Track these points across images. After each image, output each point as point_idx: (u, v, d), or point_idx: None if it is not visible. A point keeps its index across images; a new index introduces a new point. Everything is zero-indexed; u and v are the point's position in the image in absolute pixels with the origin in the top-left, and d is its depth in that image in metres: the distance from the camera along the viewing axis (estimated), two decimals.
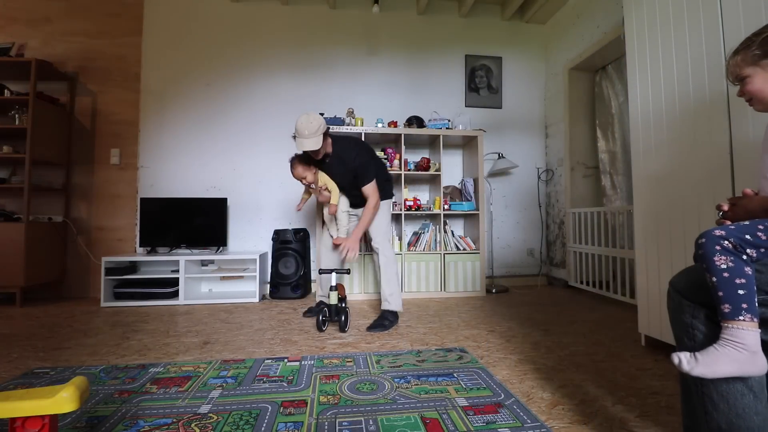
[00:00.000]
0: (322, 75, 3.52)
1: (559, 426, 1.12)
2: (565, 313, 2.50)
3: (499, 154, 3.56)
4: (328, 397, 1.29)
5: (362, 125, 3.21)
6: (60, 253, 3.13)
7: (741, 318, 0.72)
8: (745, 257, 0.74)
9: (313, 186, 2.27)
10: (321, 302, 2.43)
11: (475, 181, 3.26)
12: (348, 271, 2.33)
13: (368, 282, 3.04)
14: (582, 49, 3.25)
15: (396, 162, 3.19)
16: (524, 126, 3.80)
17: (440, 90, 3.68)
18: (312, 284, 3.29)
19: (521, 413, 1.17)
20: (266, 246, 3.36)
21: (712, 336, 0.77)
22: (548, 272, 3.73)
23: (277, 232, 3.17)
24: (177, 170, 3.33)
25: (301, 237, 3.17)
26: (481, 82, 3.74)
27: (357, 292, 3.03)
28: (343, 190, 2.32)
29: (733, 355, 0.72)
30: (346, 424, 1.12)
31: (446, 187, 3.40)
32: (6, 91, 2.93)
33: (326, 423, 1.12)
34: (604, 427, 1.11)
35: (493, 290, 3.27)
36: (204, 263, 3.22)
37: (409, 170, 3.21)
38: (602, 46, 2.98)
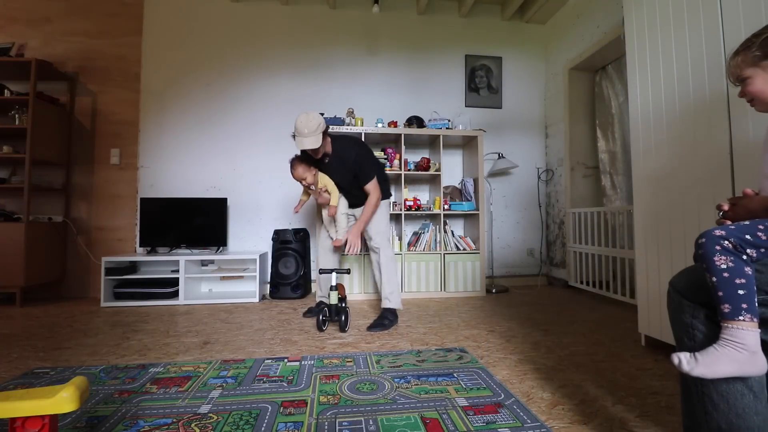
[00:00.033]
0: (322, 75, 3.52)
1: (559, 426, 1.12)
2: (565, 313, 2.50)
3: (499, 154, 3.56)
4: (328, 397, 1.29)
5: (362, 125, 3.21)
6: (60, 253, 3.14)
7: (741, 318, 0.72)
8: (745, 257, 0.74)
9: (312, 187, 2.27)
10: (321, 302, 2.43)
11: (475, 181, 3.26)
12: (348, 271, 2.33)
13: (368, 282, 3.04)
14: (582, 49, 3.25)
15: (396, 162, 3.19)
16: (524, 126, 3.80)
17: (440, 90, 3.68)
18: (312, 284, 3.29)
19: (521, 413, 1.17)
20: (266, 246, 3.36)
21: (712, 336, 0.77)
22: (548, 272, 3.73)
23: (277, 232, 3.17)
24: (177, 170, 3.33)
25: (301, 237, 3.17)
26: (481, 82, 3.74)
27: (357, 292, 3.03)
28: (342, 190, 2.33)
29: (733, 355, 0.72)
30: (346, 424, 1.12)
31: (446, 187, 3.40)
32: (6, 91, 2.93)
33: (326, 423, 1.12)
34: (604, 427, 1.11)
35: (493, 290, 3.27)
36: (204, 263, 3.22)
37: (409, 170, 3.21)
38: (602, 46, 2.98)
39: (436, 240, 3.18)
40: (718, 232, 0.75)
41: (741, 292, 0.72)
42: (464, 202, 3.24)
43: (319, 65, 3.52)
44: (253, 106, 3.43)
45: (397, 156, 3.21)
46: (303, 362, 1.62)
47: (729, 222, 0.82)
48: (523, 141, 3.79)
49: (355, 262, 3.02)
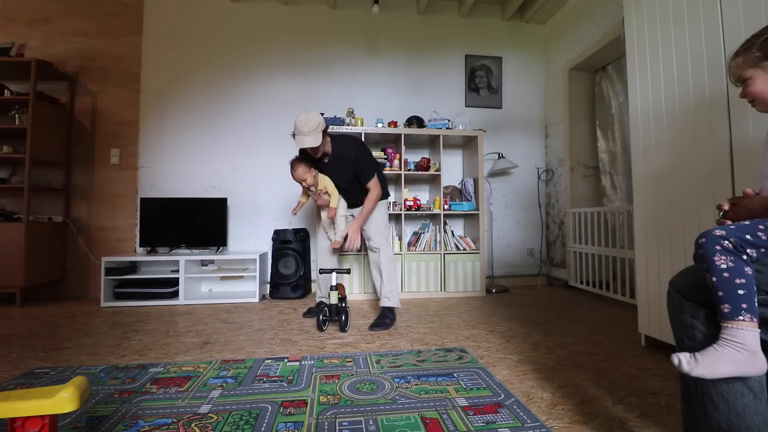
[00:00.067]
0: (322, 75, 3.52)
1: (559, 426, 1.12)
2: (565, 313, 2.50)
3: (499, 154, 3.56)
4: (328, 397, 1.29)
5: (362, 125, 3.21)
6: (60, 253, 3.14)
7: (741, 318, 0.72)
8: (745, 257, 0.74)
9: (312, 189, 2.27)
10: (321, 302, 2.43)
11: (475, 181, 3.26)
12: (348, 271, 2.33)
13: (368, 282, 3.04)
14: (582, 49, 3.25)
15: (396, 162, 3.19)
16: (524, 126, 3.80)
17: (440, 90, 3.68)
18: (312, 284, 3.29)
19: (521, 413, 1.17)
20: (266, 246, 3.36)
21: (712, 336, 0.77)
22: (548, 272, 3.73)
23: (277, 232, 3.17)
24: (177, 170, 3.33)
25: (301, 237, 3.17)
26: (481, 82, 3.74)
27: (357, 292, 3.03)
28: (341, 191, 2.33)
29: (732, 355, 0.72)
30: (346, 424, 1.12)
31: (446, 187, 3.40)
32: (6, 91, 2.93)
33: (326, 423, 1.12)
34: (604, 427, 1.11)
35: (493, 290, 3.27)
36: (204, 263, 3.22)
37: (409, 170, 3.21)
38: (602, 46, 2.98)
39: (436, 240, 3.18)
40: (718, 232, 0.75)
41: (741, 292, 0.72)
42: (464, 202, 3.24)
43: (319, 65, 3.52)
44: (253, 106, 3.43)
45: (397, 156, 3.21)
46: (303, 362, 1.62)
47: (729, 222, 0.82)
48: (523, 141, 3.79)
49: (355, 261, 3.02)
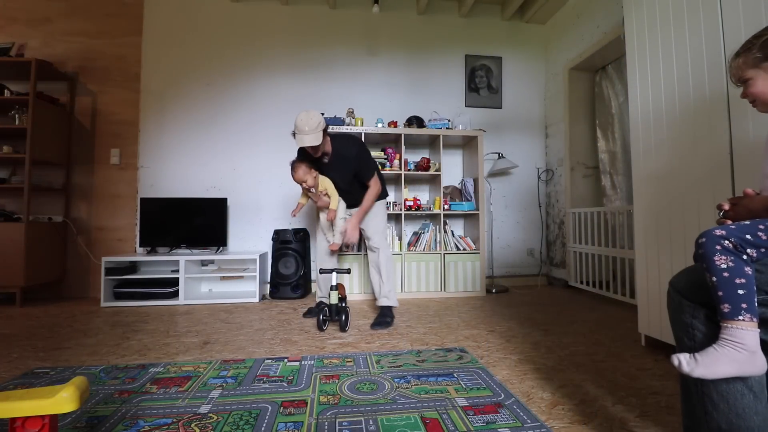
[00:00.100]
0: (322, 75, 3.52)
1: (559, 426, 1.12)
2: (565, 313, 2.50)
3: (499, 154, 3.56)
4: (328, 397, 1.29)
5: (362, 125, 3.21)
6: (60, 253, 3.13)
7: (740, 318, 0.72)
8: (745, 257, 0.74)
9: (313, 190, 2.27)
10: (321, 302, 2.43)
11: (475, 181, 3.26)
12: (348, 271, 2.33)
13: (368, 282, 3.03)
14: (582, 49, 3.25)
15: (396, 162, 3.19)
16: (524, 126, 3.80)
17: (440, 90, 3.68)
18: (312, 284, 3.29)
19: (521, 413, 1.17)
20: (266, 246, 3.36)
21: (712, 336, 0.77)
22: (548, 272, 3.73)
23: (277, 232, 3.17)
24: (177, 170, 3.33)
25: (301, 237, 3.17)
26: (481, 82, 3.74)
27: (357, 292, 3.03)
28: (340, 191, 2.33)
29: (732, 356, 0.72)
30: (346, 424, 1.12)
31: (446, 187, 3.40)
32: (6, 91, 2.93)
33: (326, 423, 1.12)
34: (604, 427, 1.11)
35: (493, 290, 3.27)
36: (204, 263, 3.22)
37: (409, 170, 3.21)
38: (602, 46, 2.98)
39: (436, 240, 3.18)
40: (718, 232, 0.76)
41: (741, 291, 0.72)
42: (464, 202, 3.24)
43: (319, 65, 3.52)
44: (253, 106, 3.43)
45: (397, 156, 3.21)
46: (303, 362, 1.62)
47: (730, 222, 0.82)
48: (523, 141, 3.79)
49: (355, 261, 3.02)
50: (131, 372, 1.52)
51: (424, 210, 3.20)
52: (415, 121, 3.27)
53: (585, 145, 3.44)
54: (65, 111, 3.20)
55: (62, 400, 0.85)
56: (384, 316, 2.27)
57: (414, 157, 3.47)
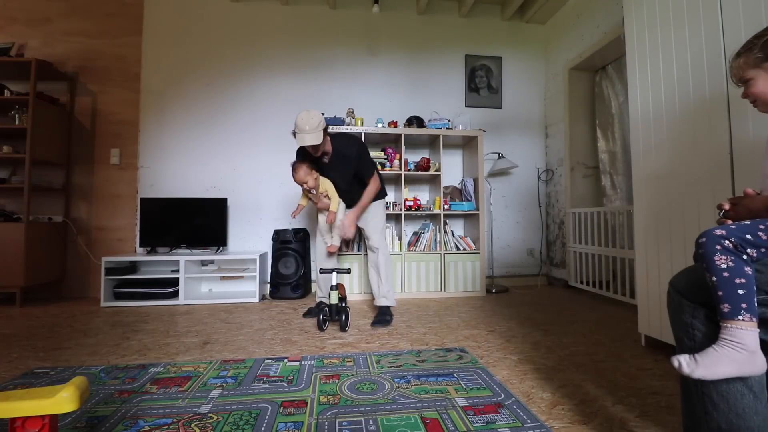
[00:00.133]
0: (322, 75, 3.52)
1: (559, 426, 1.12)
2: (565, 313, 2.50)
3: (499, 154, 3.56)
4: (328, 397, 1.29)
5: (362, 125, 3.21)
6: (60, 253, 3.13)
7: (740, 318, 0.72)
8: (745, 257, 0.74)
9: (313, 191, 2.27)
10: (321, 303, 2.44)
11: (475, 181, 3.26)
12: (349, 271, 2.33)
13: (368, 282, 3.03)
14: (582, 49, 3.25)
15: (396, 162, 3.19)
16: (524, 126, 3.80)
17: (440, 90, 3.68)
18: (312, 284, 3.29)
19: (521, 413, 1.17)
20: (266, 246, 3.36)
21: (712, 336, 0.77)
22: (548, 272, 3.73)
23: (277, 232, 3.17)
24: (177, 170, 3.33)
25: (301, 237, 3.17)
26: (481, 82, 3.74)
27: (357, 292, 3.03)
28: (340, 191, 2.33)
29: (732, 356, 0.72)
30: (346, 424, 1.12)
31: (446, 187, 3.40)
32: (6, 91, 2.93)
33: (326, 423, 1.12)
34: (604, 427, 1.11)
35: (493, 290, 3.27)
36: (204, 263, 3.22)
37: (409, 170, 3.21)
38: (602, 46, 2.98)
39: (436, 240, 3.18)
40: (718, 232, 0.75)
41: (740, 291, 0.72)
42: (464, 202, 3.24)
43: (319, 65, 3.52)
44: (253, 106, 3.43)
45: (397, 156, 3.21)
46: (303, 362, 1.62)
47: (730, 221, 0.82)
48: (523, 141, 3.79)
49: (355, 262, 3.02)
50: (131, 372, 1.52)
51: (424, 210, 3.20)
52: (415, 121, 3.27)
53: (585, 145, 3.44)
54: (65, 111, 3.20)
55: (62, 400, 0.85)
56: (383, 315, 2.29)
57: (414, 157, 3.47)
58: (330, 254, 2.46)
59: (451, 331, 2.12)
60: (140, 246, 3.14)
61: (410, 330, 2.15)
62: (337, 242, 2.39)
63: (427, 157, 3.37)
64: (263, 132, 3.42)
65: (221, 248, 3.21)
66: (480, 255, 3.16)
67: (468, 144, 3.46)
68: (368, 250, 2.46)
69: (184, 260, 2.91)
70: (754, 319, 0.72)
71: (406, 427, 1.09)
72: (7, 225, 2.78)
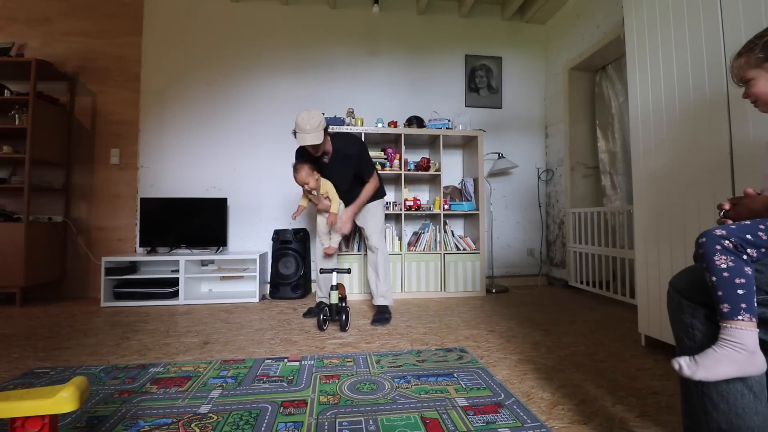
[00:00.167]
0: (322, 75, 3.52)
1: (559, 426, 1.12)
2: (565, 313, 2.50)
3: (499, 154, 3.56)
4: (328, 397, 1.29)
5: (362, 125, 3.21)
6: (60, 253, 3.13)
7: (740, 318, 0.71)
8: (745, 257, 0.74)
9: (314, 192, 2.26)
10: (321, 303, 2.44)
11: (475, 181, 3.26)
12: (349, 271, 2.33)
13: (368, 282, 3.03)
14: (582, 49, 3.25)
15: (396, 162, 3.19)
16: (524, 126, 3.80)
17: (440, 90, 3.68)
18: (312, 284, 3.29)
19: (521, 413, 1.17)
20: (266, 246, 3.36)
21: (712, 336, 0.77)
22: (548, 272, 3.73)
23: (277, 232, 3.17)
24: (177, 170, 3.33)
25: (301, 237, 3.17)
26: (481, 82, 3.74)
27: (357, 292, 3.03)
28: (340, 192, 2.33)
29: (732, 356, 0.72)
30: (346, 424, 1.12)
31: (446, 187, 3.40)
32: (6, 91, 2.93)
33: (326, 423, 1.12)
34: (604, 427, 1.11)
35: (493, 290, 3.27)
36: (204, 263, 3.22)
37: (409, 170, 3.21)
38: (602, 46, 2.98)
39: (436, 240, 3.18)
40: (718, 232, 0.75)
41: (740, 291, 0.72)
42: (464, 202, 3.24)
43: (319, 65, 3.52)
44: (253, 106, 3.43)
45: (397, 156, 3.21)
46: (303, 362, 1.62)
47: (730, 221, 0.82)
48: (523, 141, 3.79)
49: (355, 261, 3.02)
50: (131, 372, 1.52)
51: (424, 210, 3.20)
52: (415, 121, 3.27)
53: (585, 145, 3.44)
54: (65, 111, 3.20)
55: (62, 400, 0.85)
56: (382, 313, 2.31)
57: (414, 157, 3.47)
58: (328, 256, 2.46)
59: (451, 331, 2.12)
60: (140, 246, 3.14)
61: (410, 330, 2.15)
62: (335, 244, 2.39)
63: (427, 157, 3.37)
64: (263, 132, 3.42)
65: (221, 248, 3.21)
66: (480, 255, 3.16)
67: (468, 144, 3.46)
68: (368, 251, 2.46)
69: (184, 260, 2.91)
70: (754, 319, 0.72)
71: (406, 427, 1.09)
72: (7, 225, 2.78)
